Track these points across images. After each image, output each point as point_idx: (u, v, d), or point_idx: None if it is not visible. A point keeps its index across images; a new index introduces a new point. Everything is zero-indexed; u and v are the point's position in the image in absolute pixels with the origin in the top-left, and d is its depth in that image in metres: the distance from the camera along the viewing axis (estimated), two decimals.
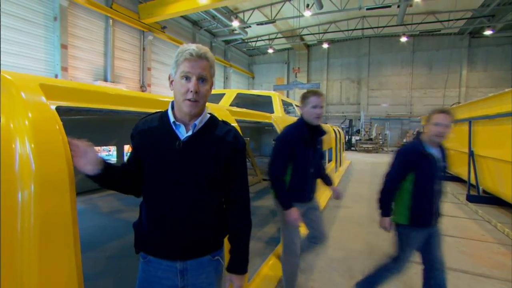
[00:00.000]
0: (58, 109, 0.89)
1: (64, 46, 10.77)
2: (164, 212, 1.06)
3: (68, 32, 10.93)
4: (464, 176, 6.97)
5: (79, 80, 11.54)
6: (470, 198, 5.79)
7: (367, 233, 4.05)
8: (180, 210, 1.06)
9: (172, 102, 1.11)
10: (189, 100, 1.01)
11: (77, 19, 11.46)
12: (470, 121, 5.85)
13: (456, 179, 7.97)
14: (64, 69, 10.82)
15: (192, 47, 1.02)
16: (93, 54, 12.23)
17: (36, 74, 10.10)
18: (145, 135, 1.08)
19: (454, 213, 5.12)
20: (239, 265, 1.20)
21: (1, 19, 9.21)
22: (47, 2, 10.48)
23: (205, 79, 1.04)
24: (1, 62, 9.23)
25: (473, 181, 5.90)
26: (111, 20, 12.67)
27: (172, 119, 1.06)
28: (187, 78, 1.01)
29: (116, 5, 12.85)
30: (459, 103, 13.54)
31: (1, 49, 9.31)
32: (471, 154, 5.80)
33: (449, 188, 7.00)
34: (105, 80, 12.73)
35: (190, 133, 1.06)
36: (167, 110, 1.11)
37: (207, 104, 1.14)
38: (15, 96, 0.79)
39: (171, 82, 1.08)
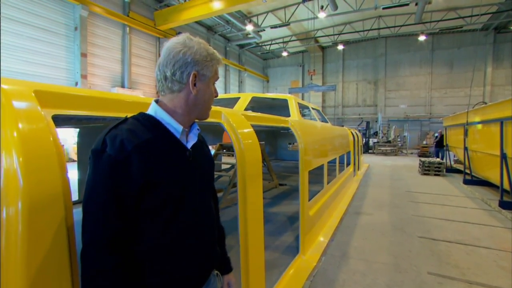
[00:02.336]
0: (56, 118, 0.80)
1: (83, 55, 11.12)
2: (190, 241, 0.90)
3: (87, 41, 11.29)
4: (494, 180, 6.52)
5: (97, 87, 11.86)
6: (504, 205, 5.38)
7: (390, 243, 3.80)
8: (204, 229, 0.97)
9: (156, 102, 0.92)
10: (211, 106, 1.00)
11: (96, 28, 11.82)
12: (501, 121, 5.46)
13: (484, 183, 7.49)
14: (84, 76, 11.15)
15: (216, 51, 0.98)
16: (111, 61, 12.57)
17: (57, 82, 10.48)
18: (147, 155, 0.80)
19: (486, 221, 4.75)
20: (229, 264, 1.23)
21: (27, 31, 9.64)
22: (69, 13, 10.88)
23: None
24: (25, 72, 9.62)
25: (506, 186, 5.49)
26: (128, 28, 13.00)
27: (178, 126, 0.90)
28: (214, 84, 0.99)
29: (132, 13, 13.17)
30: (484, 102, 12.84)
31: (26, 60, 9.71)
32: (503, 156, 5.41)
33: (478, 193, 6.56)
34: (122, 86, 13.03)
35: (195, 138, 0.96)
36: (148, 115, 0.89)
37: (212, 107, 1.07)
38: (5, 105, 0.70)
39: (194, 84, 0.90)
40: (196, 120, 0.99)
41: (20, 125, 0.69)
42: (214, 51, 0.96)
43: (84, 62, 11.15)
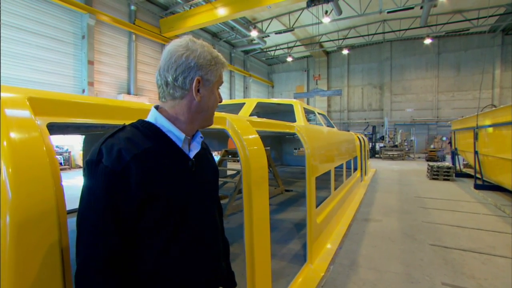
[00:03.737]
0: (52, 126, 0.76)
1: (90, 62, 11.28)
2: (195, 257, 0.84)
3: (94, 48, 11.47)
4: (507, 185, 6.33)
5: (104, 94, 11.99)
6: None
7: (401, 251, 3.68)
8: (210, 244, 0.91)
9: (156, 108, 0.86)
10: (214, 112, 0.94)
11: (103, 36, 12.01)
12: None
13: (497, 188, 7.28)
14: (91, 84, 11.30)
15: (220, 55, 0.92)
16: (117, 68, 12.72)
17: (65, 89, 10.63)
18: (147, 165, 0.74)
19: (501, 228, 4.58)
20: (234, 279, 1.15)
21: (37, 40, 9.85)
22: (76, 22, 11.09)
23: None
24: (34, 80, 9.79)
25: None
26: (134, 36, 13.18)
27: (180, 134, 0.83)
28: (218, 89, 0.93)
29: (138, 21, 13.37)
30: (493, 105, 12.62)
31: (36, 68, 9.89)
32: None
33: (491, 199, 6.37)
34: (129, 93, 13.15)
35: (198, 147, 0.90)
36: (147, 122, 0.83)
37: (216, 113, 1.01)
38: None
39: (198, 90, 0.84)
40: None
41: (11, 134, 0.65)
42: (219, 54, 0.90)
43: (91, 69, 11.30)
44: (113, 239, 0.70)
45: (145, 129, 0.81)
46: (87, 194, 0.70)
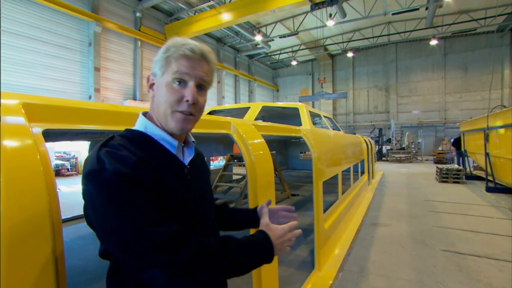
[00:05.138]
0: (48, 132, 0.73)
1: (97, 69, 11.43)
2: None
3: (100, 55, 11.62)
4: None
5: (110, 100, 12.12)
6: None
7: (412, 257, 3.57)
8: None
9: (145, 114, 0.80)
10: (181, 112, 0.74)
11: (109, 43, 12.17)
12: None
13: (509, 190, 7.08)
14: (97, 90, 11.43)
15: (193, 42, 0.76)
16: (123, 74, 12.87)
17: (71, 96, 10.76)
18: (150, 169, 0.69)
19: None
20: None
21: (45, 48, 10.02)
22: (83, 30, 11.27)
23: (204, 87, 0.79)
24: (42, 87, 9.94)
25: None
26: (139, 42, 13.33)
27: (173, 140, 0.77)
28: (182, 82, 0.74)
29: (144, 27, 13.53)
30: (503, 106, 12.37)
31: (44, 75, 10.06)
32: None
33: (504, 202, 6.19)
34: (134, 99, 13.28)
35: (192, 153, 0.84)
36: (137, 131, 0.77)
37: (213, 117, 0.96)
38: None
39: (151, 86, 0.78)
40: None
41: (3, 143, 0.61)
42: (182, 40, 0.77)
43: (97, 76, 11.44)
44: (164, 222, 0.64)
45: (135, 138, 0.75)
46: (102, 202, 0.61)
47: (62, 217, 0.72)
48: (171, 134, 0.77)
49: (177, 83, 0.74)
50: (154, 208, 0.64)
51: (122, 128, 0.80)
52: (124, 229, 0.60)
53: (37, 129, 0.71)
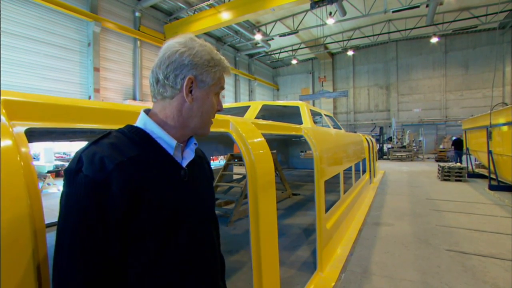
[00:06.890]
0: (31, 132, 0.68)
1: (96, 69, 11.38)
2: (187, 279, 0.74)
3: (100, 55, 11.57)
4: None
5: (110, 100, 12.07)
6: None
7: (415, 257, 3.51)
8: (205, 263, 0.79)
9: (146, 112, 0.77)
10: (212, 121, 0.84)
11: (108, 43, 12.12)
12: None
13: (509, 188, 7.03)
14: (97, 90, 11.39)
15: (224, 59, 0.82)
16: (122, 74, 12.81)
17: (71, 96, 10.72)
18: (132, 174, 0.65)
19: None
20: None
21: (44, 49, 9.98)
22: (82, 30, 11.22)
23: None
24: (42, 88, 9.90)
25: None
26: (139, 42, 13.28)
27: (172, 140, 0.74)
28: (217, 94, 0.83)
29: (143, 27, 13.48)
30: (505, 103, 12.28)
31: (44, 76, 10.02)
32: None
33: (508, 200, 6.13)
34: (134, 99, 13.23)
35: (192, 155, 0.80)
36: (135, 127, 0.75)
37: (217, 116, 0.92)
38: None
39: (190, 91, 0.75)
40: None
41: None
42: (222, 57, 0.81)
43: (97, 76, 11.40)
44: (93, 258, 0.61)
45: (132, 134, 0.72)
46: (64, 206, 0.62)
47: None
48: (172, 135, 0.75)
49: (216, 96, 0.82)
50: (100, 246, 0.62)
51: (113, 126, 0.75)
52: (63, 241, 0.61)
53: (19, 128, 0.65)
